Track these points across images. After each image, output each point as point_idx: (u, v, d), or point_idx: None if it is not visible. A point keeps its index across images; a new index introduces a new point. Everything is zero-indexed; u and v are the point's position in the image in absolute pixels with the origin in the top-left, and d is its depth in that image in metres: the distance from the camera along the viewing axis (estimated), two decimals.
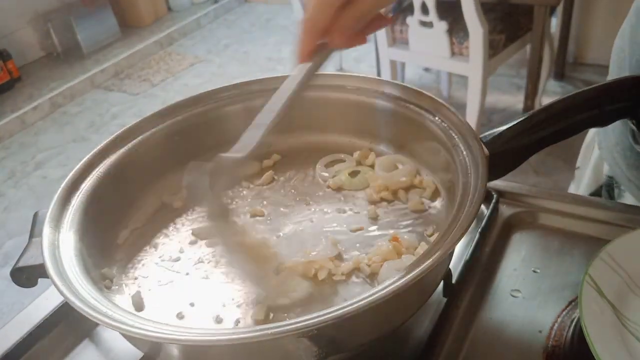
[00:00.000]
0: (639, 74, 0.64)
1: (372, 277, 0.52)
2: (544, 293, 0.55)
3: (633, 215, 0.61)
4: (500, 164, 0.53)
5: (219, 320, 0.50)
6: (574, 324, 0.51)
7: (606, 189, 0.80)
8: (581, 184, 0.88)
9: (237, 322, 0.49)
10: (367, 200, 0.62)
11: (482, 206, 0.64)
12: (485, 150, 0.51)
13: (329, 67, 0.54)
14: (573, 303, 0.53)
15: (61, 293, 0.44)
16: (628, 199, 0.74)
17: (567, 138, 0.55)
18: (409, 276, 0.40)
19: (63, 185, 0.55)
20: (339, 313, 0.38)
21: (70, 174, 0.57)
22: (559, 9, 2.49)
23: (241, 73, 3.42)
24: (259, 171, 0.68)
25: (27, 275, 0.52)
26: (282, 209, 0.62)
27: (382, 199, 0.61)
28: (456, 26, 2.08)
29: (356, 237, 0.57)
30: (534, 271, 0.58)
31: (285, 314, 0.50)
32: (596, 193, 0.83)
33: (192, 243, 0.59)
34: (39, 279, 0.52)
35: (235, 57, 3.67)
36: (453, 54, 2.14)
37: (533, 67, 2.21)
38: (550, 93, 2.57)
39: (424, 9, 2.06)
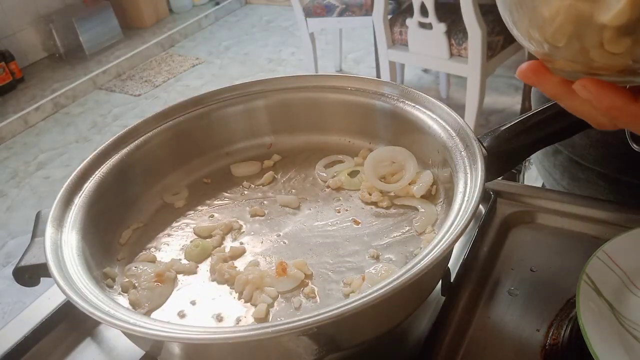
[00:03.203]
0: None
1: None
2: (541, 292, 0.56)
3: (630, 215, 0.61)
4: (498, 164, 0.53)
5: (219, 318, 0.50)
6: (571, 322, 0.51)
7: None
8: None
9: (238, 320, 0.50)
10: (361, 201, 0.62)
11: (480, 206, 0.64)
12: (484, 150, 0.51)
13: (329, 68, 0.54)
14: (571, 302, 0.54)
15: (64, 292, 0.44)
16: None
17: (564, 139, 0.56)
18: (407, 275, 0.40)
19: (65, 185, 0.56)
20: (339, 311, 0.39)
21: (73, 174, 0.57)
22: None
23: (242, 74, 3.43)
24: (260, 171, 0.69)
25: (30, 275, 0.53)
26: (282, 208, 0.63)
27: (374, 203, 0.61)
28: (455, 28, 2.09)
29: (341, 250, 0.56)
30: (532, 270, 0.58)
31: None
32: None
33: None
34: (41, 278, 0.53)
35: (236, 58, 3.68)
36: (452, 55, 2.14)
37: None
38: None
39: (423, 11, 2.06)
